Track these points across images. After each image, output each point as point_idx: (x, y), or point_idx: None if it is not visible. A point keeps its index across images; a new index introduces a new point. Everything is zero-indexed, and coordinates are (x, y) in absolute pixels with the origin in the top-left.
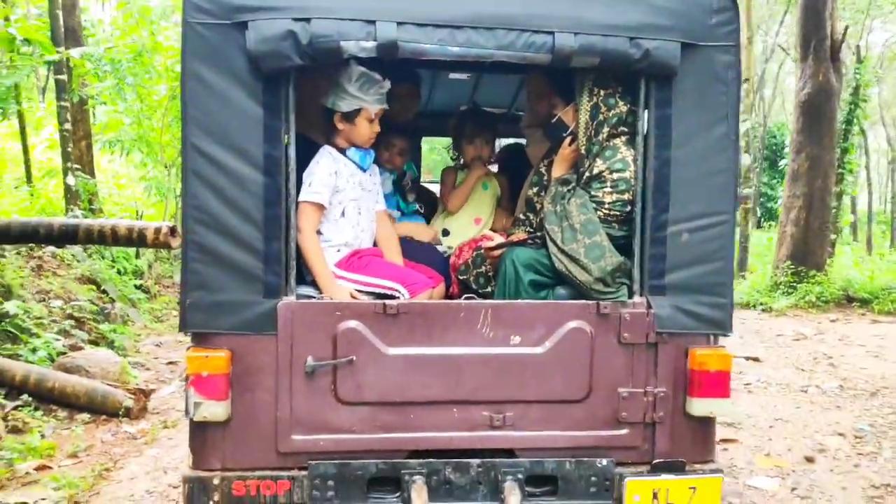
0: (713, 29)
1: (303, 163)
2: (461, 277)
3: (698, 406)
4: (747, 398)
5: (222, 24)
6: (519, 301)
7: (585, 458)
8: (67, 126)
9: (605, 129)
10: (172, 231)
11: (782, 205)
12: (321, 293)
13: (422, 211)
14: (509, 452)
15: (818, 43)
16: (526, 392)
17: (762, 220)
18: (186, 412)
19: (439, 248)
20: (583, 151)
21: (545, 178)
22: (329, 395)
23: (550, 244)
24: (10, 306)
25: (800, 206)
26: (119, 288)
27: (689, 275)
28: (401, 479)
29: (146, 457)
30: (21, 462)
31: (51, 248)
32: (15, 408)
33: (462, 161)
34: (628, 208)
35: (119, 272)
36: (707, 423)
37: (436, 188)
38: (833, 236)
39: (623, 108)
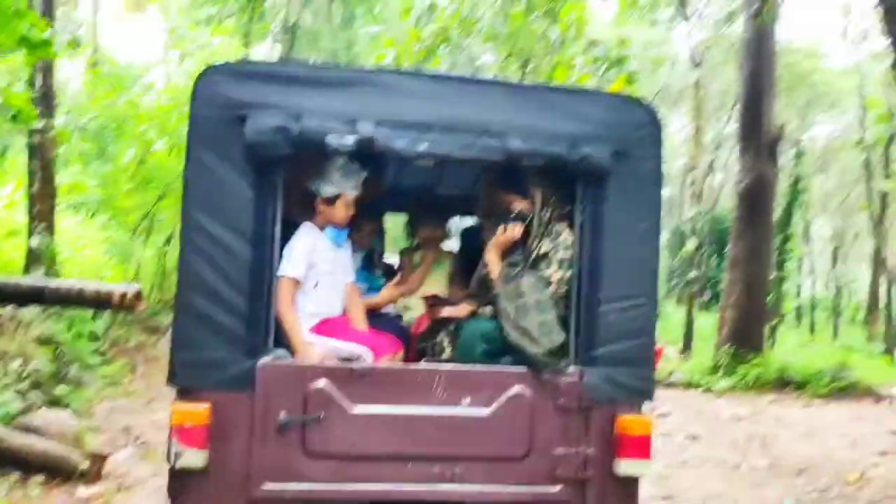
0: (640, 140)
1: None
2: (420, 345)
3: (624, 466)
4: (683, 473)
5: (225, 117)
6: (469, 366)
7: None
8: (35, 188)
9: (550, 214)
10: (138, 295)
11: (723, 289)
12: (294, 355)
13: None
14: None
15: (756, 138)
16: (474, 449)
17: (711, 302)
18: (168, 459)
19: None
20: (533, 234)
21: None
22: (298, 448)
23: (504, 321)
24: None
25: (739, 291)
26: (76, 350)
27: (617, 349)
28: None
29: None
30: None
31: (9, 309)
32: None
33: (416, 243)
34: (564, 293)
35: (77, 335)
36: (632, 482)
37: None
38: (775, 320)
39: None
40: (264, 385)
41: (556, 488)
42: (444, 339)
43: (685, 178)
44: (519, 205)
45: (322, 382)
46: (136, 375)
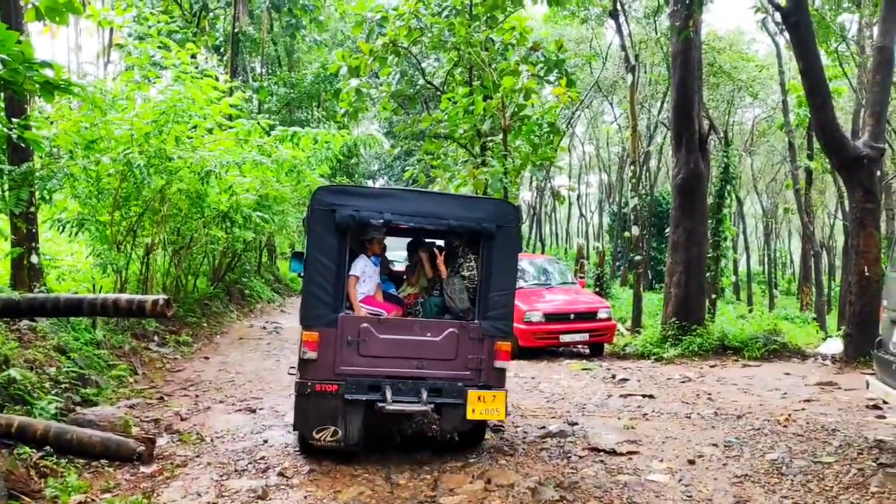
0: (509, 219)
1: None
2: (409, 310)
3: (499, 363)
4: (645, 423)
5: (326, 210)
6: (430, 319)
7: (453, 382)
8: (32, 210)
9: (463, 251)
10: (168, 303)
11: (666, 270)
12: (354, 312)
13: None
14: (423, 379)
15: (688, 137)
16: (431, 355)
17: (654, 282)
18: (300, 355)
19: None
20: (459, 261)
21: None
22: (356, 352)
23: (446, 297)
24: (14, 373)
25: (680, 271)
26: (86, 356)
27: (497, 312)
28: (381, 386)
29: (174, 488)
30: (67, 499)
31: (25, 322)
32: (40, 457)
33: (414, 260)
34: (473, 286)
35: (84, 343)
36: (501, 371)
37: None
38: (713, 296)
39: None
40: (341, 325)
41: (468, 372)
42: (419, 306)
43: (622, 166)
44: (448, 247)
45: (365, 324)
46: (139, 376)
